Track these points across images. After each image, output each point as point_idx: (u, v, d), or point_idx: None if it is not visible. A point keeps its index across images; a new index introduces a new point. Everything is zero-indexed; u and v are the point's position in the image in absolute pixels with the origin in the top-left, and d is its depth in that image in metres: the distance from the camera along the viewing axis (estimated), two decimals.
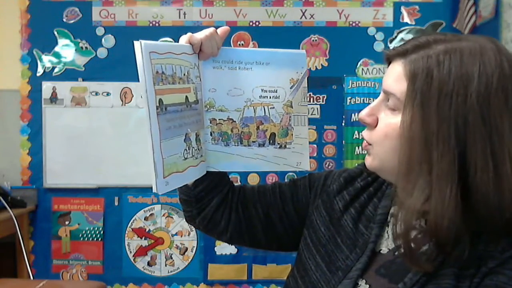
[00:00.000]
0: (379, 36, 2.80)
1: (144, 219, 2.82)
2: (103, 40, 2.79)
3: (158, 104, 0.79)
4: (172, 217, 2.82)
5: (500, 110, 0.69)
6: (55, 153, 2.77)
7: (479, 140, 0.68)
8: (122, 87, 2.77)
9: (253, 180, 2.74)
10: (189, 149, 0.86)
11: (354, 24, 2.81)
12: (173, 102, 0.83)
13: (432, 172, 0.70)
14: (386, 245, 0.83)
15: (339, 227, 0.88)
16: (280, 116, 0.96)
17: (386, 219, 0.85)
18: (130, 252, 2.81)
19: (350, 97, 2.80)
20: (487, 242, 0.72)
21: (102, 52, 2.79)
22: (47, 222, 2.80)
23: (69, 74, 2.79)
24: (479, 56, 0.70)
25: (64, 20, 2.78)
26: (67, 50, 2.79)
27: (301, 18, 2.81)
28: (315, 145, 2.78)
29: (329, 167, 2.80)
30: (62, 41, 2.79)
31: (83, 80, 2.79)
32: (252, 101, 0.95)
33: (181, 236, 2.83)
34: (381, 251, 0.83)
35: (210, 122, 0.93)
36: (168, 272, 2.82)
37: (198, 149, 0.90)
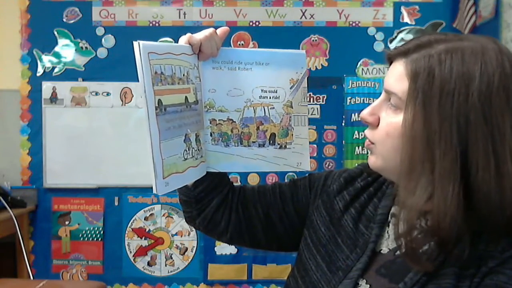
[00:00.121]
0: (379, 36, 2.80)
1: (144, 219, 2.82)
2: (103, 40, 2.78)
3: (157, 105, 0.79)
4: (172, 217, 2.82)
5: (502, 109, 0.69)
6: (55, 153, 2.77)
7: (481, 139, 0.68)
8: (122, 87, 2.77)
9: (253, 180, 2.74)
10: (189, 150, 0.86)
11: (354, 24, 2.81)
12: (172, 102, 0.82)
13: (434, 171, 0.70)
14: (387, 245, 0.83)
15: (339, 227, 0.88)
16: (280, 116, 0.96)
17: (386, 219, 0.85)
18: (130, 252, 2.81)
19: (350, 97, 2.80)
20: (488, 241, 0.72)
21: (102, 52, 2.79)
22: (47, 222, 2.80)
23: (69, 74, 2.79)
24: (481, 55, 0.70)
25: (64, 20, 2.78)
26: (67, 50, 2.79)
27: (301, 18, 2.80)
28: (315, 145, 2.78)
29: (329, 167, 2.80)
30: (62, 41, 2.79)
31: (83, 80, 2.79)
32: (252, 101, 0.94)
33: (181, 236, 2.82)
34: (382, 251, 0.83)
35: (210, 123, 0.93)
36: (168, 272, 2.82)
37: (198, 149, 0.89)
